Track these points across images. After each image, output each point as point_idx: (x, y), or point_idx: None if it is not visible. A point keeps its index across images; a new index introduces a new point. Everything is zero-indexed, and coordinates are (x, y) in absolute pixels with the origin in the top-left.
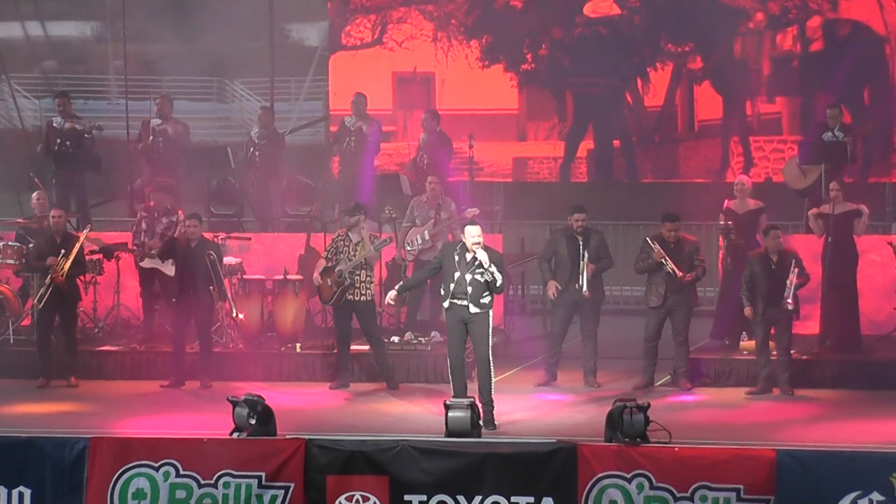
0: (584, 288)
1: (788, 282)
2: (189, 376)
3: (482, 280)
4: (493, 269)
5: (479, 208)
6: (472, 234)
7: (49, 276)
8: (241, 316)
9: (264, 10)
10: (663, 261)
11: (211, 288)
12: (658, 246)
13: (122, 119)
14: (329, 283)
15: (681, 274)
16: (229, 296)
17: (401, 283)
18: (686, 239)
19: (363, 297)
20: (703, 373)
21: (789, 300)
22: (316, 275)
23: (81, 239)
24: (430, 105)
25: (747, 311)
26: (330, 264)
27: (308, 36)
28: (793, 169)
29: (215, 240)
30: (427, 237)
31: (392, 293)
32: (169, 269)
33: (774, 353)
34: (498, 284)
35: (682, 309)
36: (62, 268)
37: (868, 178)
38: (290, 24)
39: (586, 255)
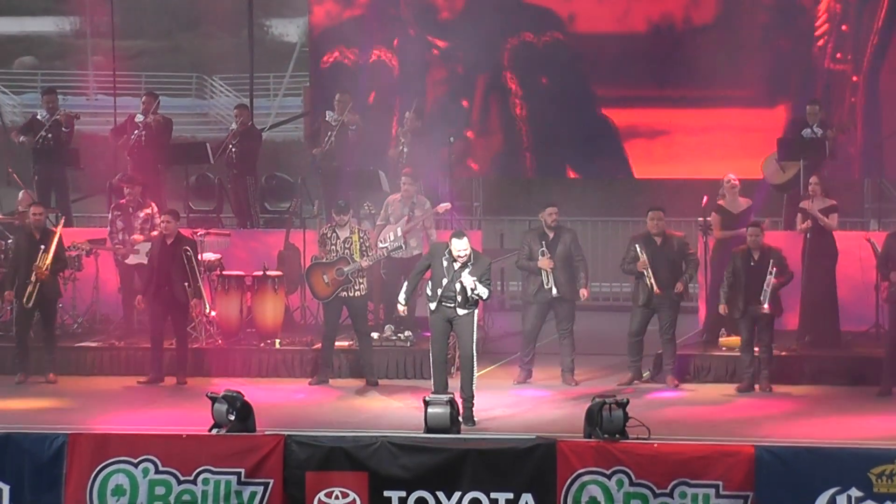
0: (554, 290)
1: (766, 283)
2: (167, 372)
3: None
4: (479, 289)
5: (459, 204)
6: (459, 248)
7: (34, 274)
8: (213, 313)
9: (244, 6)
10: (645, 272)
11: (186, 284)
12: (644, 255)
13: (100, 115)
14: (325, 281)
15: (657, 291)
16: (204, 292)
17: (402, 293)
18: (673, 235)
19: (357, 293)
20: (683, 369)
21: (765, 305)
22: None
23: (58, 233)
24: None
25: (721, 308)
26: (324, 260)
27: (287, 32)
28: (771, 164)
29: (193, 236)
30: (399, 234)
31: (401, 307)
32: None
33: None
34: (484, 299)
35: (668, 306)
36: (44, 263)
37: (846, 174)
38: (270, 19)
39: (546, 252)
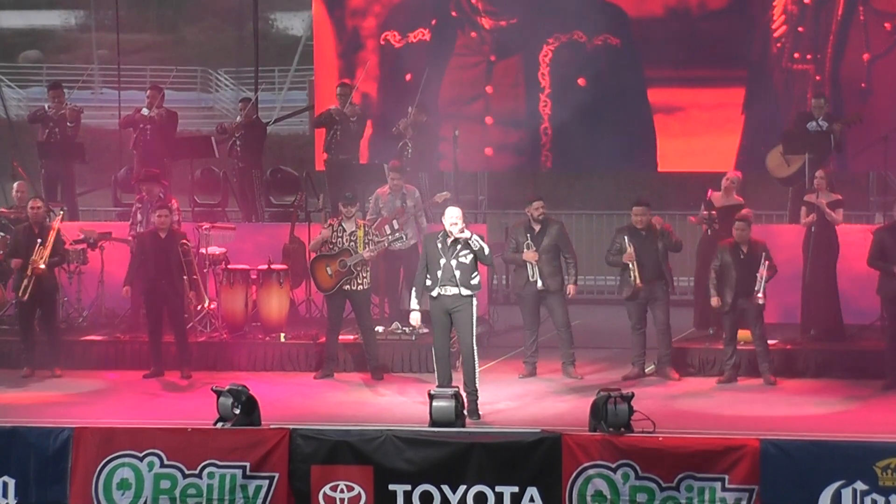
0: (539, 282)
1: (759, 275)
2: (169, 366)
3: (468, 262)
4: (475, 237)
5: (465, 197)
6: (451, 216)
7: (30, 268)
8: (213, 305)
9: (248, 0)
10: (630, 264)
11: (184, 277)
12: (632, 248)
13: (105, 108)
14: (329, 273)
15: (639, 284)
16: (200, 285)
17: (413, 298)
18: (654, 226)
19: (360, 287)
20: (687, 362)
21: (760, 294)
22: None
23: (55, 227)
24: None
25: (714, 301)
26: (329, 251)
27: (292, 25)
28: (776, 158)
29: (198, 230)
30: (396, 227)
31: (415, 314)
32: None
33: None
34: (486, 253)
35: (659, 298)
36: (41, 257)
37: (851, 168)
38: (274, 13)
39: (531, 245)
